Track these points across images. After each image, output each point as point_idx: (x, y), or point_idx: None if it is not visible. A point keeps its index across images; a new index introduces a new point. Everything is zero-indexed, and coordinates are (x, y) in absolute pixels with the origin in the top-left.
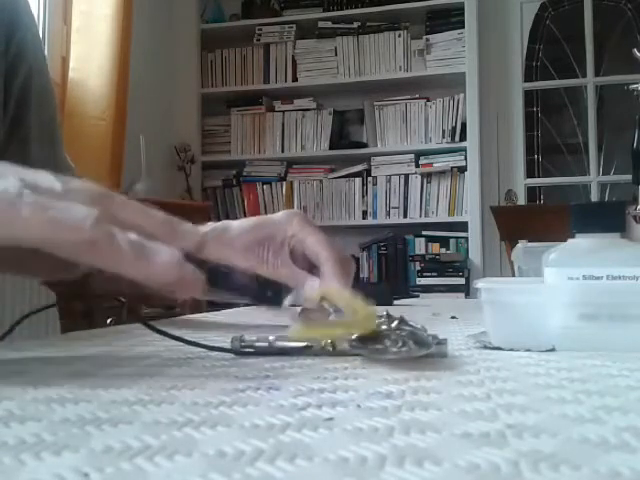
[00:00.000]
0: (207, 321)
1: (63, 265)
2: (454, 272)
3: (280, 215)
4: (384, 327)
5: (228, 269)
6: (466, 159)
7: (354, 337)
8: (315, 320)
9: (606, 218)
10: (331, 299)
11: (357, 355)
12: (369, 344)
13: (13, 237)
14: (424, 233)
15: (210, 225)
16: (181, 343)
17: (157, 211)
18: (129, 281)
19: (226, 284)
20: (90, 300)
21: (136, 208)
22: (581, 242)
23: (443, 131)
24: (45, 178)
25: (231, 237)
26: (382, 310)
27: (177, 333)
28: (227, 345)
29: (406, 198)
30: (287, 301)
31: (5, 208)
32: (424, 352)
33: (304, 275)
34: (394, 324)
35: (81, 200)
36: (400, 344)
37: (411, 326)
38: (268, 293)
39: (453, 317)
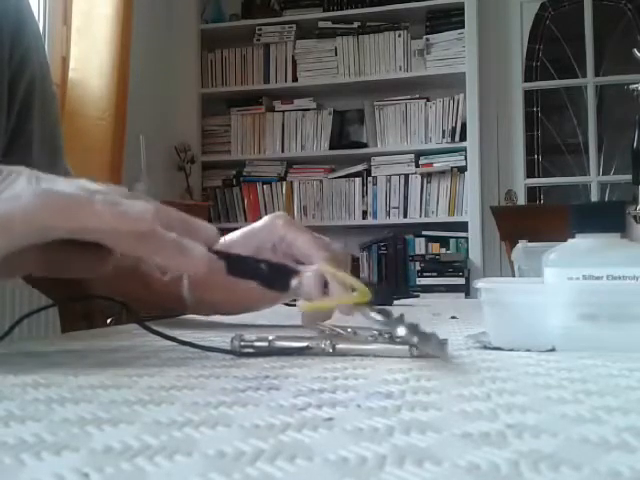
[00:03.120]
0: (207, 321)
1: (95, 263)
2: (454, 272)
3: (264, 221)
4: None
5: (240, 256)
6: (466, 159)
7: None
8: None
9: (606, 218)
10: (328, 277)
11: (357, 355)
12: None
13: (86, 228)
14: (424, 233)
15: None
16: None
17: (178, 212)
18: (133, 286)
19: (239, 270)
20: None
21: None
22: (581, 242)
23: (443, 131)
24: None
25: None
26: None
27: (177, 333)
28: (227, 345)
29: (406, 198)
30: (293, 284)
31: (83, 203)
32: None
33: (304, 269)
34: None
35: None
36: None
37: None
38: (276, 276)
39: (453, 317)
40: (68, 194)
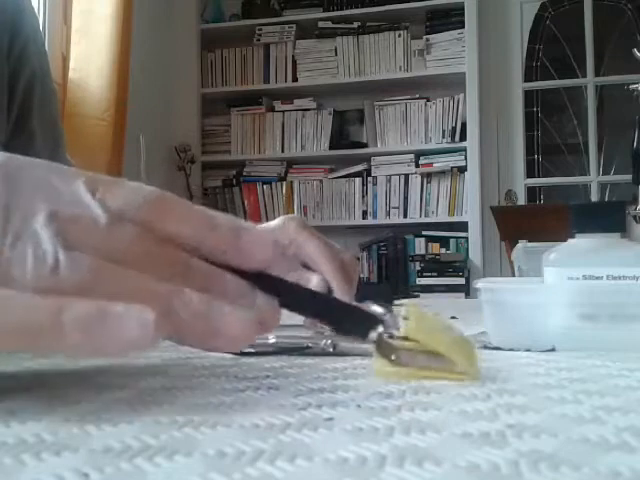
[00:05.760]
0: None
1: None
2: (454, 272)
3: (277, 222)
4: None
5: (309, 290)
6: (466, 159)
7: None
8: (399, 357)
9: (606, 218)
10: (420, 338)
11: (357, 355)
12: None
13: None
14: (424, 233)
15: None
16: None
17: (216, 214)
18: None
19: (299, 305)
20: None
21: (190, 215)
22: (581, 242)
23: (443, 131)
24: (84, 208)
25: None
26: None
27: None
28: None
29: (406, 198)
30: (373, 334)
31: (45, 328)
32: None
33: (310, 274)
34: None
35: (128, 235)
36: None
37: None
38: (348, 320)
39: (453, 317)
40: (21, 315)
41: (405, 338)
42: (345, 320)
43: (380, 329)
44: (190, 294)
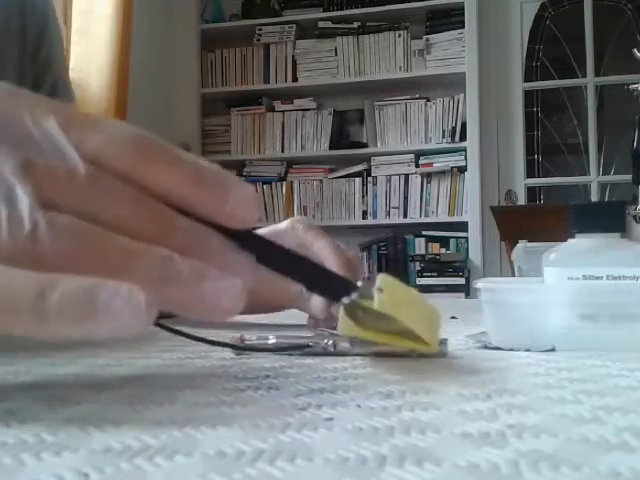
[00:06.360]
0: (207, 320)
1: None
2: (454, 272)
3: (285, 224)
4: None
5: (290, 252)
6: (466, 159)
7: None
8: (366, 318)
9: (606, 218)
10: (390, 311)
11: (357, 355)
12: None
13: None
14: (424, 233)
15: None
16: (181, 343)
17: (201, 164)
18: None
19: (287, 269)
20: None
21: (174, 166)
22: (581, 242)
23: (443, 131)
24: (60, 155)
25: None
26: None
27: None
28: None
29: (406, 198)
30: (346, 300)
31: (24, 317)
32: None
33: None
34: None
35: (108, 188)
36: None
37: None
38: (327, 281)
39: (453, 317)
40: None
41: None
42: (321, 282)
43: (354, 296)
44: (180, 263)
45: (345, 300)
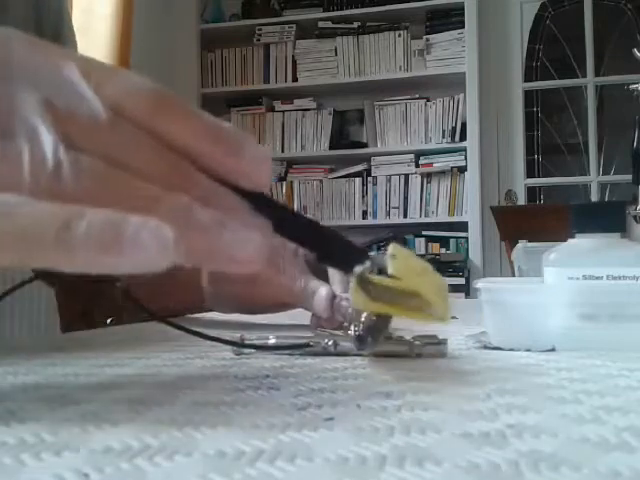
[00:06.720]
0: (207, 321)
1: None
2: (454, 272)
3: None
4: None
5: (300, 215)
6: (466, 159)
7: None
8: (379, 292)
9: (606, 218)
10: (404, 276)
11: (357, 355)
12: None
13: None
14: (424, 233)
15: None
16: (181, 343)
17: (218, 121)
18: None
19: (296, 234)
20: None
21: (192, 121)
22: (581, 242)
23: (443, 131)
24: (80, 99)
25: None
26: None
27: (177, 333)
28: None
29: (406, 198)
30: (358, 269)
31: (50, 248)
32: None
33: (319, 284)
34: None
35: (128, 136)
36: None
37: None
38: (338, 252)
39: (453, 317)
40: (24, 226)
41: (390, 276)
42: (334, 251)
43: (367, 264)
44: (201, 212)
45: (358, 269)
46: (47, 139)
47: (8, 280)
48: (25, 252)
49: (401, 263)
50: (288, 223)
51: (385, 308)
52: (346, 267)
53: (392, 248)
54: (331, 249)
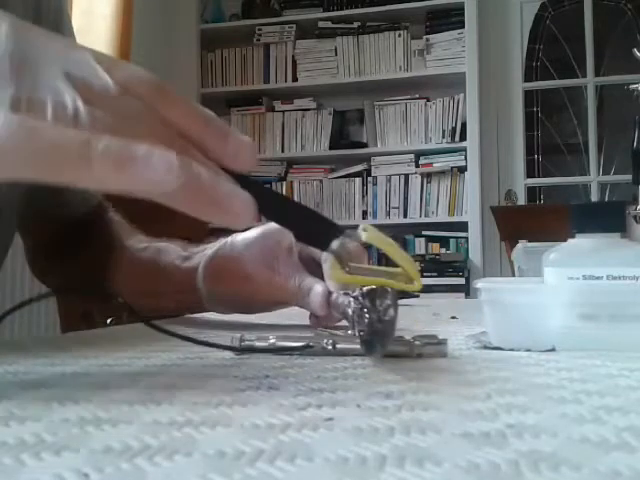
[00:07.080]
0: (207, 321)
1: None
2: (454, 272)
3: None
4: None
5: (277, 194)
6: (466, 159)
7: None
8: (355, 265)
9: (606, 218)
10: (377, 243)
11: (357, 355)
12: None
13: (80, 185)
14: (424, 233)
15: (218, 242)
16: (181, 343)
17: (208, 112)
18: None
19: (272, 210)
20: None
21: (188, 106)
22: (581, 242)
23: (443, 131)
24: (94, 74)
25: (240, 252)
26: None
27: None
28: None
29: (406, 198)
30: (335, 245)
31: (74, 159)
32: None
33: (314, 282)
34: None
35: (135, 108)
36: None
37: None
38: (316, 229)
39: (453, 317)
40: (51, 141)
41: (363, 244)
42: (310, 228)
43: (342, 239)
44: (198, 167)
45: (334, 244)
46: (67, 93)
47: (7, 297)
48: (49, 165)
49: (372, 234)
50: (266, 202)
51: (360, 280)
52: (322, 244)
53: (363, 225)
54: (306, 228)
